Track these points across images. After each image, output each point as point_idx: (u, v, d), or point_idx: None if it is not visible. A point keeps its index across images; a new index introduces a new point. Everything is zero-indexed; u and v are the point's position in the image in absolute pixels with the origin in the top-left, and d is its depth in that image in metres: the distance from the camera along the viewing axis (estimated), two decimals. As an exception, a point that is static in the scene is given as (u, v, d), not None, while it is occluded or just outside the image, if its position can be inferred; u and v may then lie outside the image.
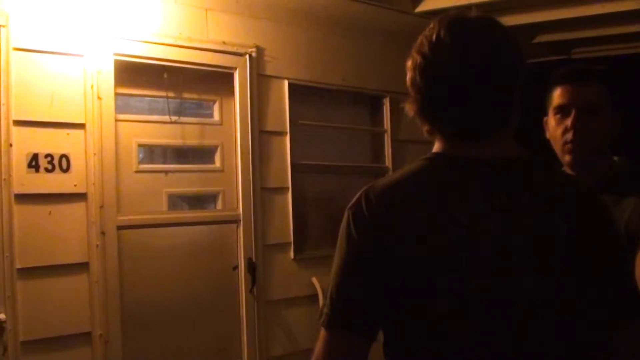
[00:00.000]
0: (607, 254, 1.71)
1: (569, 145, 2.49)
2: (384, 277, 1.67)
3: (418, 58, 1.72)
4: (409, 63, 1.76)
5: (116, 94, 4.06)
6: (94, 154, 3.87)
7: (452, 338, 1.66)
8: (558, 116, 2.53)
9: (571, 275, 1.66)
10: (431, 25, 1.74)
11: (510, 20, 5.29)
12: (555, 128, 2.54)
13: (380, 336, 1.76)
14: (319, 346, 1.72)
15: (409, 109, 1.79)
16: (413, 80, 1.74)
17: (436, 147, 1.79)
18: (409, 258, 1.66)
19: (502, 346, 1.65)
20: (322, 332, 1.73)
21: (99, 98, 3.89)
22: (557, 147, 2.55)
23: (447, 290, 1.64)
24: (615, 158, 2.60)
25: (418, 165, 1.77)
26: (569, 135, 2.47)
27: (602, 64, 2.60)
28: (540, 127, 2.66)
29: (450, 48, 1.68)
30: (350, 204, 1.74)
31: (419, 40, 1.75)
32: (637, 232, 2.28)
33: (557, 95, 2.54)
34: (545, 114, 2.62)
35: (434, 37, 1.71)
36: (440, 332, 1.66)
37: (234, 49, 4.58)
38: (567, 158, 2.52)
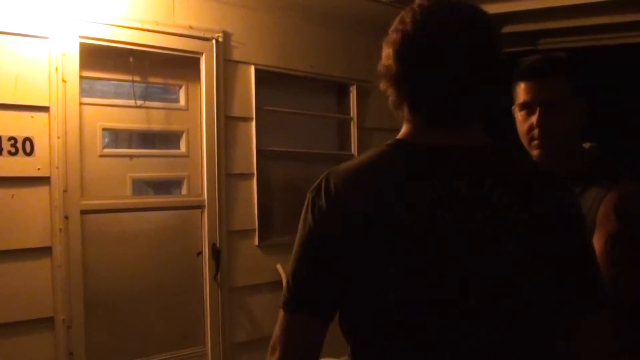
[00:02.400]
0: (570, 243, 1.72)
1: (535, 142, 2.50)
2: (339, 261, 1.69)
3: (394, 37, 1.74)
4: (386, 40, 1.78)
5: (81, 77, 4.01)
6: (58, 138, 3.83)
7: (405, 324, 1.68)
8: (523, 112, 2.55)
9: (531, 264, 1.67)
10: (408, 8, 1.75)
11: (477, 10, 5.31)
12: (521, 124, 2.56)
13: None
14: (277, 328, 1.78)
15: (382, 86, 1.80)
16: (388, 57, 1.75)
17: (403, 131, 1.80)
18: (365, 243, 1.67)
19: (458, 336, 1.66)
20: (281, 314, 1.78)
21: (64, 81, 3.85)
22: (524, 142, 2.57)
23: (401, 275, 1.65)
24: (587, 145, 2.62)
25: (380, 150, 1.78)
26: (535, 133, 2.49)
27: (563, 54, 2.58)
28: (510, 117, 2.67)
29: (429, 30, 1.69)
30: (311, 188, 1.76)
31: (396, 21, 1.76)
32: (593, 223, 2.31)
33: (521, 91, 2.55)
34: (513, 103, 2.63)
35: (411, 17, 1.72)
36: (394, 317, 1.68)
37: (201, 34, 4.55)
38: (535, 153, 2.53)
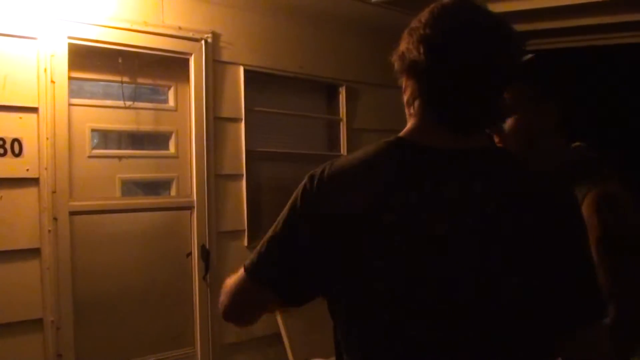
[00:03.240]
0: (567, 250, 1.68)
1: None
2: (316, 250, 1.70)
3: (425, 30, 1.70)
4: (408, 32, 1.75)
5: (70, 78, 4.01)
6: (47, 139, 3.82)
7: (389, 322, 1.67)
8: None
9: (521, 269, 1.64)
10: (445, 5, 1.74)
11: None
12: None
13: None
14: (232, 281, 1.86)
15: (404, 82, 1.79)
16: (424, 53, 1.70)
17: (407, 129, 1.78)
18: (346, 239, 1.67)
19: (444, 336, 1.65)
20: (242, 274, 1.83)
21: (53, 82, 3.84)
22: None
23: (385, 273, 1.65)
24: (575, 145, 2.62)
25: (378, 148, 1.76)
26: (496, 138, 2.49)
27: (528, 56, 2.57)
28: None
29: (471, 38, 1.67)
30: (312, 171, 1.78)
31: (425, 16, 1.74)
32: None
33: None
34: None
35: (451, 22, 1.70)
36: (378, 316, 1.67)
37: (190, 35, 4.55)
38: None
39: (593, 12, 5.38)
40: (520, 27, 5.83)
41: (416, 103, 1.75)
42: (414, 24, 1.74)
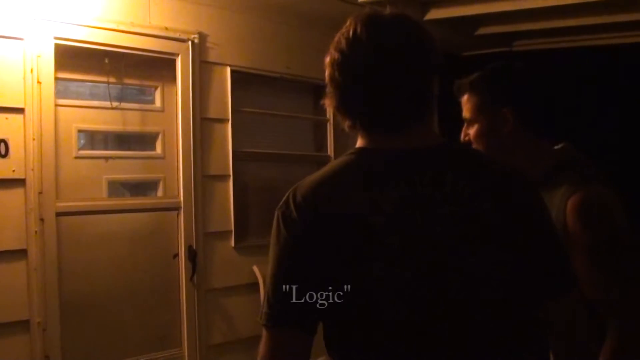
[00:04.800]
0: (536, 232, 1.80)
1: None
2: (316, 272, 1.70)
3: (335, 54, 1.80)
4: (327, 60, 1.84)
5: (56, 79, 4.00)
6: (33, 139, 3.81)
7: (389, 323, 1.70)
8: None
9: (501, 255, 1.72)
10: (347, 23, 1.82)
11: (452, 12, 5.33)
12: None
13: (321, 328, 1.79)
14: (262, 347, 1.75)
15: (328, 104, 1.87)
16: (331, 76, 1.82)
17: (359, 142, 1.86)
18: (340, 248, 1.69)
19: (438, 334, 1.69)
20: (264, 332, 1.75)
21: (39, 82, 3.83)
22: None
23: (378, 279, 1.67)
24: (559, 146, 2.64)
25: (343, 160, 1.83)
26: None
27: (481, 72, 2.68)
28: None
29: (366, 44, 1.76)
30: (279, 204, 1.78)
31: (336, 38, 1.83)
32: (564, 230, 2.33)
33: None
34: None
35: (350, 33, 1.78)
36: (376, 323, 1.70)
37: (177, 35, 4.55)
38: None
39: (576, 13, 5.40)
40: (504, 29, 5.87)
41: (345, 120, 1.87)
42: (336, 36, 1.84)
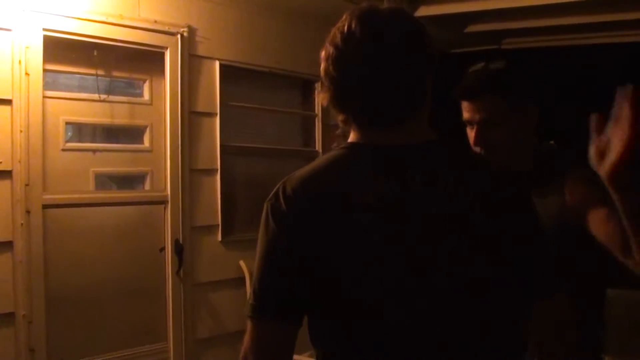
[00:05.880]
0: (523, 234, 1.81)
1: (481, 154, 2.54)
2: (304, 265, 1.70)
3: (331, 49, 1.78)
4: (323, 54, 1.82)
5: (45, 71, 3.99)
6: (21, 131, 3.79)
7: (370, 324, 1.71)
8: (468, 127, 2.59)
9: (488, 252, 1.73)
10: (343, 17, 1.81)
11: (442, 9, 5.34)
12: (469, 137, 2.59)
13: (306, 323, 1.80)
14: (247, 338, 1.74)
15: (323, 98, 1.84)
16: (326, 70, 1.80)
17: (352, 136, 1.85)
18: (327, 240, 1.70)
19: (427, 329, 1.71)
20: (250, 324, 1.75)
21: (27, 74, 3.81)
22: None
23: (364, 274, 1.69)
24: (549, 142, 2.65)
25: (334, 155, 1.83)
26: (477, 148, 2.52)
27: (501, 64, 2.59)
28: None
29: (361, 38, 1.74)
30: (269, 196, 1.78)
31: (332, 32, 1.81)
32: (567, 220, 2.33)
33: (463, 108, 2.59)
34: None
35: (345, 28, 1.77)
36: (360, 317, 1.71)
37: (166, 28, 4.53)
38: None
39: (565, 12, 5.42)
40: (493, 27, 5.88)
41: (341, 115, 1.84)
42: (332, 31, 1.82)
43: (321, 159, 1.85)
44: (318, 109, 5.61)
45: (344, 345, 1.75)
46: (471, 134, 2.55)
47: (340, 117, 1.84)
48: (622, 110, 1.44)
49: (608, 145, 1.51)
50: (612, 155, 1.49)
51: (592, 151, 1.61)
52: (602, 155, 1.61)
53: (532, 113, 2.55)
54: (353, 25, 1.76)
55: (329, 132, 5.60)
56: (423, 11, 5.31)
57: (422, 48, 1.79)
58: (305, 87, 5.70)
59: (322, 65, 1.81)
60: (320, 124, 5.62)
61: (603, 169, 1.54)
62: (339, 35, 1.77)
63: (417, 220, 1.71)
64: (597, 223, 2.18)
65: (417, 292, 1.69)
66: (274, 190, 1.78)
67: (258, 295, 1.74)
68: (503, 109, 2.49)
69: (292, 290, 1.73)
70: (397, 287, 1.69)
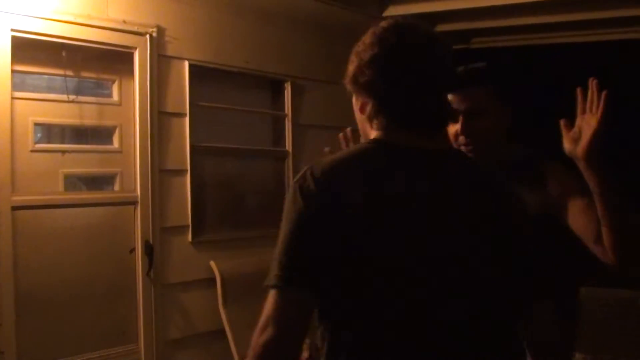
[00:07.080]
0: (524, 240, 1.97)
1: (463, 148, 2.61)
2: (328, 242, 1.75)
3: (374, 57, 1.88)
4: (358, 62, 1.91)
5: (13, 71, 3.96)
6: (-12, 133, 3.78)
7: (387, 306, 1.77)
8: (451, 124, 2.66)
9: (497, 258, 1.86)
10: (385, 26, 1.92)
11: (411, 8, 5.37)
12: (450, 130, 2.67)
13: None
14: (268, 308, 1.75)
15: (364, 103, 1.94)
16: (378, 71, 1.88)
17: (377, 134, 1.93)
18: (350, 227, 1.75)
19: (437, 318, 1.79)
20: (272, 294, 1.76)
21: (-5, 75, 3.80)
22: (455, 145, 2.67)
23: (385, 260, 1.75)
24: (516, 144, 2.74)
25: (362, 147, 1.93)
26: (461, 139, 2.64)
27: (481, 62, 2.74)
28: None
29: (411, 50, 1.87)
30: (296, 178, 1.83)
31: (367, 43, 1.91)
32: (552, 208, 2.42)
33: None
34: None
35: (393, 39, 1.88)
36: (380, 301, 1.77)
37: (134, 29, 4.52)
38: None
39: (533, 11, 5.46)
40: (462, 26, 5.92)
41: (380, 117, 1.91)
42: (359, 47, 1.93)
43: (349, 150, 1.98)
44: (288, 109, 5.61)
45: (364, 321, 1.80)
46: (456, 126, 2.64)
47: (376, 120, 1.92)
48: (589, 102, 1.65)
49: (579, 134, 1.84)
50: (585, 138, 1.69)
51: (566, 141, 1.78)
52: (575, 142, 1.80)
53: (506, 113, 2.69)
54: (398, 37, 1.88)
55: (301, 133, 5.61)
56: (392, 11, 5.34)
57: (450, 62, 1.95)
58: (275, 87, 5.70)
59: (362, 68, 1.90)
60: (290, 123, 5.61)
61: (579, 149, 1.71)
62: (381, 46, 1.88)
63: (437, 221, 1.81)
64: (576, 213, 2.36)
65: (432, 281, 1.78)
66: (301, 172, 1.83)
67: (284, 265, 1.76)
68: (486, 101, 2.63)
69: (317, 263, 1.76)
70: (412, 278, 1.76)
